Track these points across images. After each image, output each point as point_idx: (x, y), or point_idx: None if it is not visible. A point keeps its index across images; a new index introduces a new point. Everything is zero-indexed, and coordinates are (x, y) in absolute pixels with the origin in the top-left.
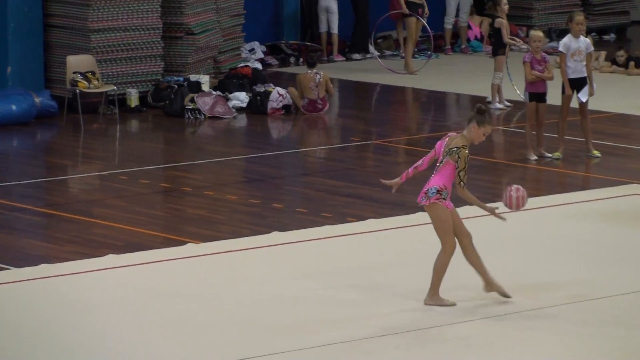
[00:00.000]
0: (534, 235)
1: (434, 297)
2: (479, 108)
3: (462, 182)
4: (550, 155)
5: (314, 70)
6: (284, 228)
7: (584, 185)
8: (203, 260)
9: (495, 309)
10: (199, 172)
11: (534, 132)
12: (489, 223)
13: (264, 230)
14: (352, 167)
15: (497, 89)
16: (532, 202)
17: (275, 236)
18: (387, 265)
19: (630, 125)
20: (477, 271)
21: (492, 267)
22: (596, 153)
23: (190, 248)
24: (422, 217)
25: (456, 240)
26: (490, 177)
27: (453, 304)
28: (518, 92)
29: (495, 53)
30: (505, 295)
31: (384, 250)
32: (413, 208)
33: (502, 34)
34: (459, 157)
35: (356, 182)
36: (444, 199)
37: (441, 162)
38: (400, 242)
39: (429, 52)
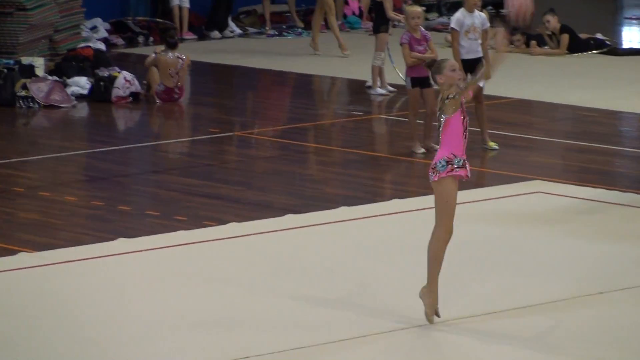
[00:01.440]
0: (424, 240)
1: (426, 292)
2: (429, 64)
3: (459, 93)
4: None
5: (176, 54)
6: (131, 234)
7: (479, 182)
8: (37, 271)
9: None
10: (32, 169)
11: (420, 122)
12: (377, 226)
13: (108, 236)
14: (211, 162)
15: (378, 72)
16: (420, 202)
17: (122, 243)
18: (251, 275)
19: (532, 112)
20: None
21: (383, 276)
22: (493, 145)
23: (23, 258)
24: (292, 220)
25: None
26: (371, 174)
27: (430, 321)
28: (400, 75)
29: (376, 30)
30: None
31: (245, 258)
32: (280, 209)
33: (385, 8)
34: (451, 98)
35: (215, 181)
36: (459, 167)
37: (440, 125)
38: (265, 249)
39: (299, 29)
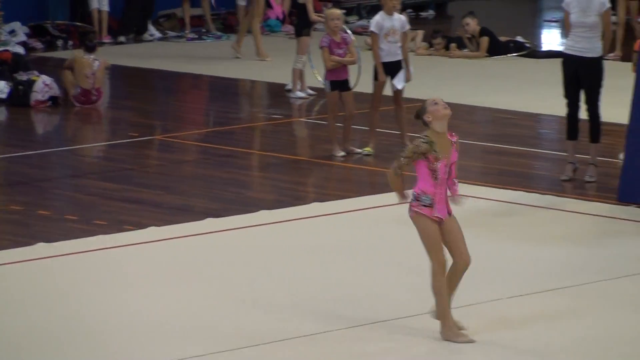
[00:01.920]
0: (344, 244)
1: (445, 329)
2: (417, 114)
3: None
4: (359, 150)
5: (92, 56)
6: (50, 239)
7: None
8: None
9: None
10: None
11: (339, 125)
12: (297, 229)
13: (27, 241)
14: (131, 167)
15: (299, 75)
16: (340, 205)
17: (41, 248)
18: (169, 279)
19: (452, 115)
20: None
21: (309, 278)
22: None
23: None
24: (212, 223)
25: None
26: (291, 177)
27: (471, 341)
28: (319, 78)
29: (298, 33)
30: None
31: (165, 262)
32: (200, 213)
33: (308, 10)
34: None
35: (135, 185)
36: (425, 205)
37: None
38: (185, 253)
39: (219, 33)
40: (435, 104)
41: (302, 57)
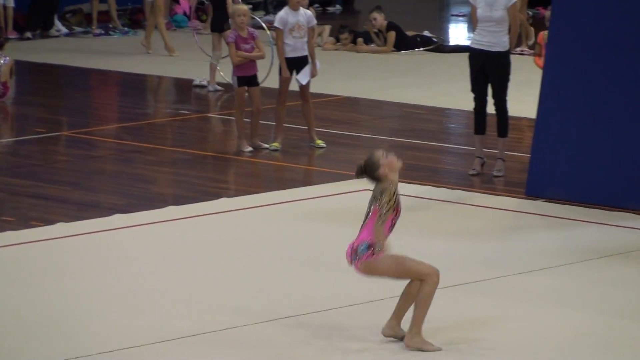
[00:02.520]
0: (252, 239)
1: (415, 337)
2: (362, 171)
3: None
4: (267, 146)
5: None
6: None
7: (307, 180)
8: None
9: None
10: None
11: (247, 120)
12: (205, 225)
13: None
14: (38, 163)
15: (215, 70)
16: (248, 200)
17: None
18: (77, 275)
19: (359, 110)
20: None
21: (214, 274)
22: (320, 143)
23: None
24: (120, 219)
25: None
26: (199, 173)
27: (439, 349)
28: (222, 73)
29: (215, 29)
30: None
31: (73, 258)
32: (108, 209)
33: (228, 5)
34: (381, 195)
35: (43, 181)
36: (374, 253)
37: (368, 213)
38: (94, 249)
39: (126, 29)
40: (387, 155)
41: (218, 53)
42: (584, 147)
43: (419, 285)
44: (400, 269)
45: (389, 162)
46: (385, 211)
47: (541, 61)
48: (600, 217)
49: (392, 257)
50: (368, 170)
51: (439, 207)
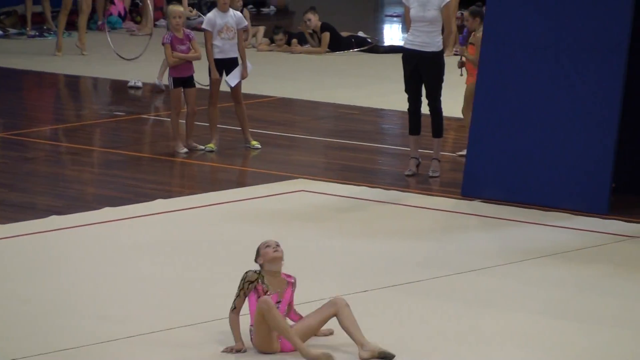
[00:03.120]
0: (188, 241)
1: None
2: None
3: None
4: (202, 147)
5: None
6: None
7: (242, 181)
8: None
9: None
10: None
11: (182, 121)
12: (141, 226)
13: None
14: None
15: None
16: (184, 202)
17: None
18: (14, 277)
19: (293, 111)
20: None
21: (152, 275)
22: (255, 144)
23: None
24: (56, 221)
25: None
26: (134, 174)
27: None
28: (157, 80)
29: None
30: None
31: (10, 260)
32: (44, 211)
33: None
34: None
35: None
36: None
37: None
38: (30, 251)
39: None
40: (267, 246)
41: None
42: (518, 148)
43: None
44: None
45: (264, 253)
46: (236, 296)
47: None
48: (536, 217)
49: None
50: (256, 256)
51: (374, 208)
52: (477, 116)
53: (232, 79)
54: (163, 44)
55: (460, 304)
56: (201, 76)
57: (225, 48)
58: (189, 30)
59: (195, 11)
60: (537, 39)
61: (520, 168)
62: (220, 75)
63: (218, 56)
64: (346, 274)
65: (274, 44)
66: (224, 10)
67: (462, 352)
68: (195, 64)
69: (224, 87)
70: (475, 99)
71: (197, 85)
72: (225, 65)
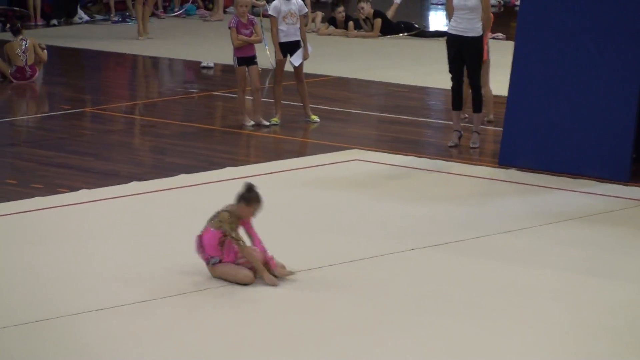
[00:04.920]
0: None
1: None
2: (249, 187)
3: (240, 242)
4: (268, 123)
5: (20, 37)
6: None
7: (303, 152)
8: None
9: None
10: None
11: (248, 97)
12: (212, 191)
13: None
14: (63, 136)
15: None
16: (251, 169)
17: None
18: (100, 236)
19: (349, 88)
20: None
21: None
22: (315, 118)
23: None
24: (137, 186)
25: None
26: (206, 145)
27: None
28: (269, 58)
29: None
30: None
31: (96, 221)
32: (126, 177)
33: None
34: (220, 222)
35: (67, 152)
36: (215, 264)
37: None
38: (114, 213)
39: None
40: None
41: None
42: (550, 122)
43: None
44: (231, 274)
45: (246, 212)
46: (235, 236)
47: None
48: (565, 184)
49: (227, 267)
50: (240, 195)
51: (420, 176)
52: (513, 93)
53: (295, 59)
54: (229, 27)
55: (497, 262)
56: (266, 58)
57: (289, 32)
58: (252, 17)
59: (263, 2)
60: (566, 25)
61: (551, 140)
62: (285, 56)
63: (283, 40)
64: (395, 235)
65: (332, 27)
66: None
67: (499, 305)
68: (260, 47)
69: (287, 67)
70: (511, 78)
71: (270, 66)
72: (289, 48)
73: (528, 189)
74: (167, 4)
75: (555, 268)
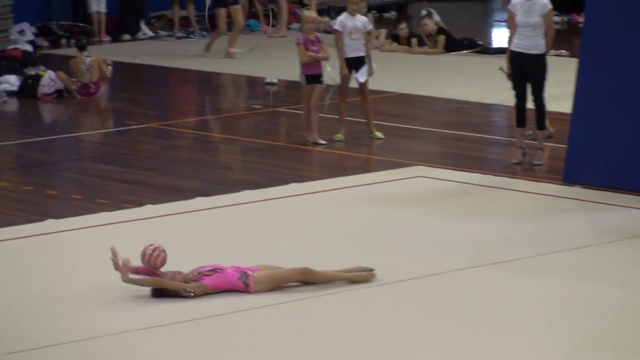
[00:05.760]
0: (318, 220)
1: None
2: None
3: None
4: (324, 142)
5: (85, 53)
6: (59, 215)
7: (367, 168)
8: None
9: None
10: None
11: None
12: (276, 208)
13: (37, 218)
14: (127, 151)
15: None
16: (315, 185)
17: (50, 224)
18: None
19: (413, 105)
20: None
21: (279, 255)
22: (379, 134)
23: None
24: (201, 202)
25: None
26: (271, 160)
27: None
28: (329, 69)
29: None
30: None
31: (160, 237)
32: (190, 193)
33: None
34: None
35: (132, 167)
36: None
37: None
38: (178, 228)
39: (205, 32)
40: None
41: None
42: (616, 138)
43: None
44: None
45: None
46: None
47: None
48: (631, 202)
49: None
50: None
51: (484, 192)
52: (577, 109)
53: (361, 75)
54: (297, 43)
55: (561, 280)
56: (326, 74)
57: (354, 47)
58: (319, 34)
59: (327, 18)
60: (631, 40)
61: (618, 157)
62: (349, 72)
63: (349, 55)
64: (458, 251)
65: (395, 44)
66: (353, 14)
67: (564, 321)
68: (323, 63)
69: (352, 84)
70: (575, 94)
71: (332, 82)
72: (353, 63)
73: (593, 206)
74: (230, 20)
75: (619, 286)
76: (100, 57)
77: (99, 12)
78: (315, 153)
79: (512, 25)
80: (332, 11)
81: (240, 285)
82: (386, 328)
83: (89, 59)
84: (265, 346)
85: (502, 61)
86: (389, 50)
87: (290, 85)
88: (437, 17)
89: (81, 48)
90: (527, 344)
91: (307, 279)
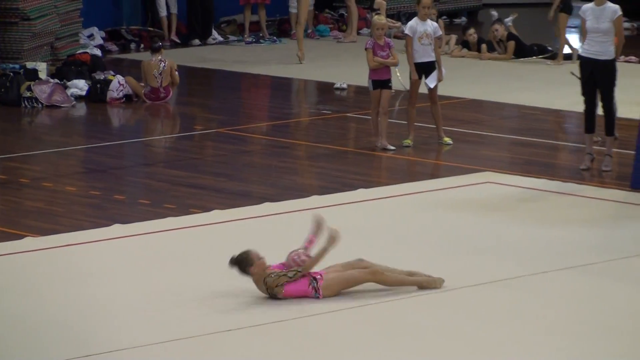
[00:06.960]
0: (387, 226)
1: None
2: (233, 262)
3: (297, 273)
4: (392, 148)
5: (159, 57)
6: (125, 220)
7: (436, 173)
8: (42, 254)
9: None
10: (36, 163)
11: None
12: (345, 213)
13: (105, 222)
14: (195, 156)
15: None
16: (383, 191)
17: (117, 229)
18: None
19: (482, 111)
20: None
21: (346, 260)
22: (447, 140)
23: (29, 242)
24: (269, 207)
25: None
26: (339, 166)
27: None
28: (398, 74)
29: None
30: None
31: (228, 241)
32: (259, 198)
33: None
34: (274, 287)
35: (199, 172)
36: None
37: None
38: (246, 234)
39: (275, 37)
40: (260, 259)
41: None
42: None
43: None
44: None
45: (260, 264)
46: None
47: None
48: None
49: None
50: (242, 265)
51: (553, 198)
52: None
53: (430, 81)
54: (366, 48)
55: (630, 285)
56: (404, 78)
57: (424, 53)
58: (389, 39)
59: (399, 23)
60: None
61: None
62: (419, 77)
63: (418, 60)
64: (527, 257)
65: (465, 50)
66: (424, 20)
67: (636, 328)
68: (393, 68)
69: (421, 89)
70: None
71: (401, 87)
72: (423, 68)
73: None
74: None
75: None
76: (174, 62)
77: (170, 14)
78: (384, 158)
79: (583, 31)
80: (403, 16)
81: (310, 291)
82: (456, 334)
83: (162, 64)
84: (337, 351)
85: (572, 67)
86: (458, 56)
87: (360, 90)
88: (509, 21)
89: (154, 50)
90: (599, 349)
91: (376, 281)
